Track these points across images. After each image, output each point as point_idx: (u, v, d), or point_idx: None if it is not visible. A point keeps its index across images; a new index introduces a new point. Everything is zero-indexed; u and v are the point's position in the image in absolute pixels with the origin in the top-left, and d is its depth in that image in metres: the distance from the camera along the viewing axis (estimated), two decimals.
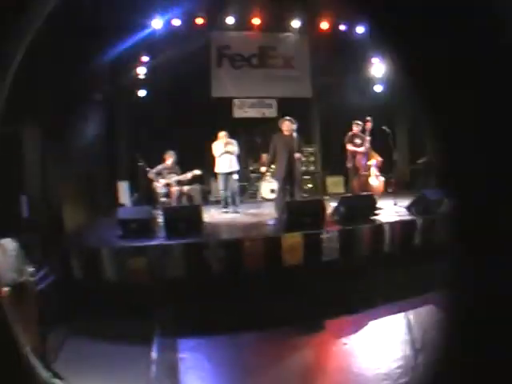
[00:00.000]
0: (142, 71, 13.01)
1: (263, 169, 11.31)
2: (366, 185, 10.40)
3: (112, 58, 11.81)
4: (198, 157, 12.08)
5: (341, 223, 8.30)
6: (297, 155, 9.34)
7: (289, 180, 9.39)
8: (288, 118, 9.70)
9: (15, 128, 7.70)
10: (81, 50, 9.27)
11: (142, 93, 13.25)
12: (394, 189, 11.64)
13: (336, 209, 8.69)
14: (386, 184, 11.01)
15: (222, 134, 10.97)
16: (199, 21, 13.26)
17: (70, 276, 6.91)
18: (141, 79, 13.11)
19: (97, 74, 11.29)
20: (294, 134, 9.42)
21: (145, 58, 12.97)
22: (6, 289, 1.25)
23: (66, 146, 9.30)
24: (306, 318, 6.56)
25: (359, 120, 10.78)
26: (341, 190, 13.66)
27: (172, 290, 6.91)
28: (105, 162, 12.24)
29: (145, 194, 11.91)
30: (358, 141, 10.53)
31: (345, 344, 5.80)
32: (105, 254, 7.15)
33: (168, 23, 12.76)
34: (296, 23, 14.06)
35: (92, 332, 5.84)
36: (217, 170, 11.04)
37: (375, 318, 6.52)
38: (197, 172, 10.58)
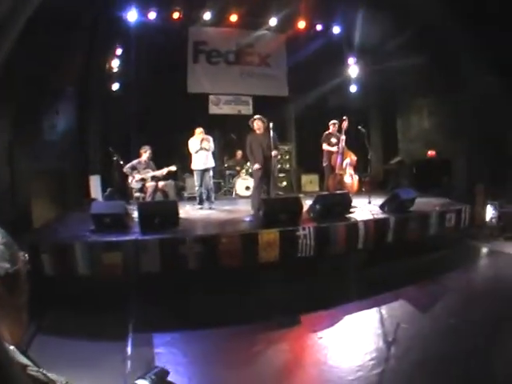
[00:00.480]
0: (115, 64, 12.88)
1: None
2: (340, 183, 10.53)
3: (86, 50, 11.69)
4: (172, 152, 12.05)
5: (316, 220, 8.35)
6: (273, 152, 9.44)
7: (265, 177, 9.45)
8: (258, 116, 9.80)
9: None
10: (54, 41, 9.13)
11: (115, 86, 13.14)
12: (368, 188, 11.79)
13: (312, 206, 8.76)
14: (360, 183, 11.12)
15: (199, 131, 10.94)
16: (176, 15, 13.24)
17: (39, 272, 6.65)
18: (115, 72, 13.00)
19: (69, 67, 11.14)
20: (271, 132, 9.46)
21: (119, 51, 12.83)
22: None
23: (34, 139, 9.14)
24: (281, 313, 6.60)
25: (335, 119, 10.98)
26: (316, 188, 13.80)
27: (147, 285, 6.80)
28: (76, 157, 12.01)
29: (118, 188, 11.78)
30: (333, 140, 10.74)
31: (320, 338, 5.83)
32: (78, 248, 6.94)
33: (143, 16, 12.67)
34: (273, 21, 14.13)
35: (63, 329, 5.75)
36: (193, 166, 11.02)
37: (349, 313, 6.58)
38: (172, 168, 10.56)
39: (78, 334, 5.54)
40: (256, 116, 9.84)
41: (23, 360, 1.19)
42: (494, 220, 10.31)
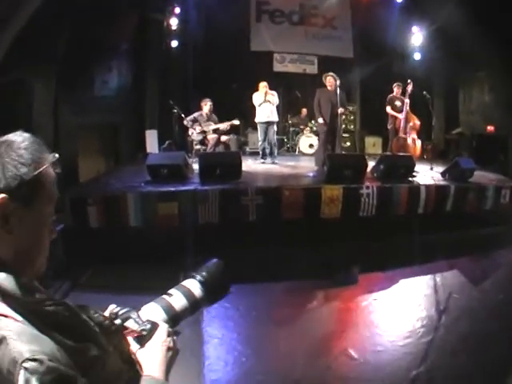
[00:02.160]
0: (174, 22, 12.90)
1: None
2: (404, 146, 10.38)
3: (142, 8, 11.73)
4: (235, 108, 12.05)
5: (380, 180, 8.30)
6: (340, 110, 9.50)
7: (331, 134, 9.44)
8: (331, 73, 9.79)
9: (27, 76, 7.60)
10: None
11: (174, 43, 13.22)
12: (429, 155, 11.62)
13: (375, 166, 8.71)
14: (423, 149, 10.96)
15: (263, 85, 10.87)
16: None
17: (83, 224, 6.62)
18: (173, 30, 13.04)
19: (123, 25, 11.19)
20: (338, 90, 9.48)
21: (177, 10, 12.87)
22: None
23: (83, 95, 9.21)
24: (338, 270, 6.59)
25: (394, 82, 10.87)
26: (378, 150, 13.68)
27: (203, 237, 6.64)
28: (131, 112, 12.15)
29: (177, 141, 11.83)
30: (398, 103, 10.60)
31: (375, 299, 5.83)
32: (130, 199, 6.88)
33: None
34: None
35: (104, 284, 5.72)
36: (256, 119, 10.99)
37: (405, 277, 6.57)
38: (235, 122, 10.58)
39: (121, 288, 5.42)
40: (329, 73, 9.84)
41: (43, 296, 1.05)
42: None
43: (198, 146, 10.64)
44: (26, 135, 1.12)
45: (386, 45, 13.52)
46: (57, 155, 1.17)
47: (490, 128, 12.57)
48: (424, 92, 10.36)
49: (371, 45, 13.66)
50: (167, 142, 11.78)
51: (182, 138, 11.74)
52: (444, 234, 7.83)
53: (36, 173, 1.07)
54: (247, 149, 13.19)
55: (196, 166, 8.38)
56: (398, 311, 5.48)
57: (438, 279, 6.47)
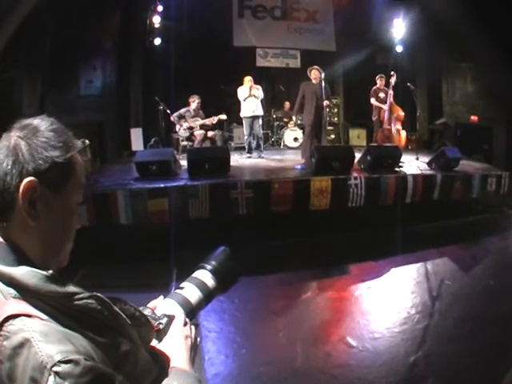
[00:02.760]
0: (157, 20, 12.87)
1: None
2: (389, 137, 10.47)
3: (124, 7, 11.70)
4: (219, 104, 12.07)
5: (367, 171, 8.37)
6: (325, 102, 9.54)
7: (316, 126, 9.49)
8: (316, 66, 9.81)
9: (15, 73, 7.56)
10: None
11: (157, 41, 13.16)
12: (414, 146, 11.72)
13: (362, 157, 8.77)
14: (408, 139, 11.05)
15: (248, 79, 10.86)
16: None
17: None
18: (156, 28, 13.00)
19: (107, 23, 11.16)
20: (323, 83, 9.53)
21: (160, 8, 12.82)
22: None
23: (68, 93, 9.16)
24: (330, 261, 6.64)
25: (377, 74, 10.97)
26: (363, 142, 13.63)
27: (194, 232, 6.59)
28: (116, 110, 12.08)
29: (163, 139, 11.79)
30: (381, 94, 10.71)
31: (368, 288, 5.90)
32: (120, 196, 6.87)
33: None
34: None
35: (97, 283, 5.66)
36: (242, 114, 10.97)
37: (396, 265, 6.67)
38: (222, 116, 10.59)
39: (115, 287, 5.20)
40: (314, 66, 9.86)
41: (72, 288, 0.98)
42: None
43: (185, 143, 10.64)
44: (51, 119, 1.09)
45: (369, 37, 13.58)
46: (87, 141, 1.16)
47: (474, 118, 12.71)
48: (408, 83, 10.43)
49: (354, 37, 13.69)
50: (153, 140, 11.73)
51: (168, 135, 11.72)
52: (432, 223, 8.02)
53: (68, 156, 1.04)
54: (232, 144, 13.12)
55: (184, 162, 8.37)
56: (391, 299, 5.58)
57: (429, 267, 6.62)
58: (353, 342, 4.43)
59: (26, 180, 0.98)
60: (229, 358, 4.18)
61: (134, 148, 11.71)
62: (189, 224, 7.02)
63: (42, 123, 1.05)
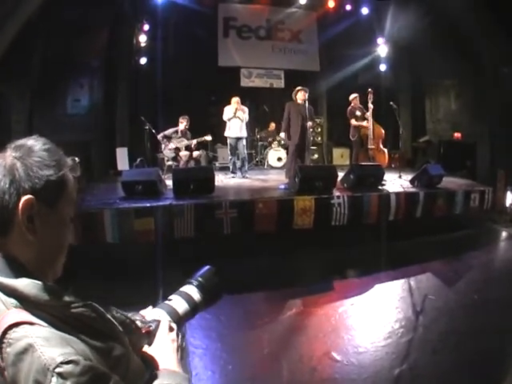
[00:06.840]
0: (143, 39, 13.01)
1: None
2: (371, 156, 10.50)
3: (111, 26, 11.79)
4: (204, 124, 12.15)
5: (350, 190, 8.47)
6: (309, 123, 9.62)
7: (301, 146, 9.57)
8: (302, 87, 9.85)
9: (4, 89, 7.58)
10: (78, 17, 9.22)
11: (143, 60, 13.29)
12: (397, 164, 11.83)
13: (346, 176, 8.88)
14: (390, 158, 11.14)
15: (235, 100, 10.92)
16: None
17: None
18: (142, 47, 13.15)
19: (94, 42, 11.24)
20: (307, 104, 9.61)
21: (146, 27, 12.99)
22: None
23: (56, 112, 9.18)
24: (314, 279, 6.75)
25: (360, 93, 10.91)
26: (346, 161, 13.82)
27: (179, 251, 6.81)
28: (102, 130, 12.16)
29: (148, 159, 11.82)
30: (358, 113, 10.63)
31: (352, 304, 5.96)
32: (107, 215, 6.87)
33: None
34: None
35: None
36: (226, 133, 11.05)
37: (380, 282, 6.72)
38: (208, 138, 10.67)
39: (101, 305, 5.35)
40: (299, 87, 9.88)
41: (68, 298, 1.05)
42: None
43: (170, 162, 10.70)
44: (44, 139, 1.16)
45: (352, 57, 13.80)
46: (77, 159, 1.22)
47: (457, 135, 12.87)
48: (391, 102, 10.57)
49: (337, 57, 13.96)
50: (139, 160, 11.74)
51: (153, 155, 11.76)
52: (416, 239, 8.09)
53: (60, 174, 1.12)
54: (217, 164, 13.19)
55: (169, 182, 8.40)
56: (375, 314, 5.60)
57: (412, 282, 6.64)
58: (338, 357, 4.47)
59: (24, 198, 1.05)
60: (215, 374, 4.21)
61: (119, 167, 11.72)
62: (175, 243, 7.03)
63: (35, 143, 1.12)
